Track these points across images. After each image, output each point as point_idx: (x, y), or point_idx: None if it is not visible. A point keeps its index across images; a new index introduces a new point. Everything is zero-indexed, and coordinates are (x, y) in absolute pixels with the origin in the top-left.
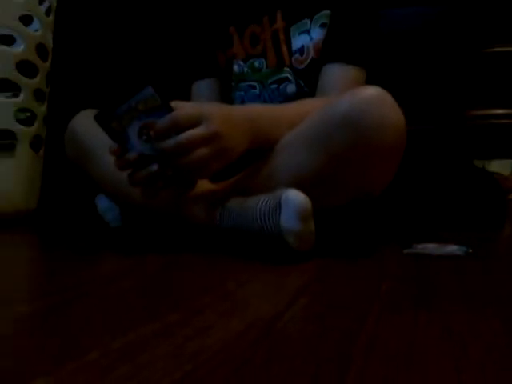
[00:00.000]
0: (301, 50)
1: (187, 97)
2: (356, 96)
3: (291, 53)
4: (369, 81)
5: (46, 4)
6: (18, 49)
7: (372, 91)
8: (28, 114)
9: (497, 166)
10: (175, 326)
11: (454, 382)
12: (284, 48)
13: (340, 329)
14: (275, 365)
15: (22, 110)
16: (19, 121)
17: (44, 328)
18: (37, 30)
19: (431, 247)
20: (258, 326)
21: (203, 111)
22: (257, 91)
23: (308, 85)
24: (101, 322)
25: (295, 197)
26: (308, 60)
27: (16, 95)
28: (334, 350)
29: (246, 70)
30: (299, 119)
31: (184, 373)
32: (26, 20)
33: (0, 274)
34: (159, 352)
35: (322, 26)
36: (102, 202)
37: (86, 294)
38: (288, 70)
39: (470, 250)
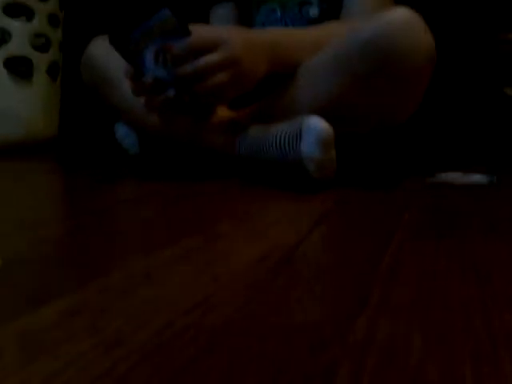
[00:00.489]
0: None
1: (205, 23)
2: (382, 20)
3: None
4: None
5: None
6: None
7: (400, 14)
8: (43, 41)
9: None
10: (195, 250)
11: (479, 311)
12: None
13: (361, 256)
14: (295, 290)
15: (36, 35)
16: (35, 47)
17: (66, 251)
18: None
19: (455, 176)
20: (278, 252)
21: (222, 35)
22: (278, 15)
23: (332, 7)
24: (122, 245)
25: (317, 124)
26: None
27: (30, 20)
28: (355, 276)
29: None
30: (322, 44)
31: (205, 296)
32: None
33: (22, 200)
34: (180, 275)
35: None
36: (121, 129)
37: (107, 218)
38: None
39: (495, 180)
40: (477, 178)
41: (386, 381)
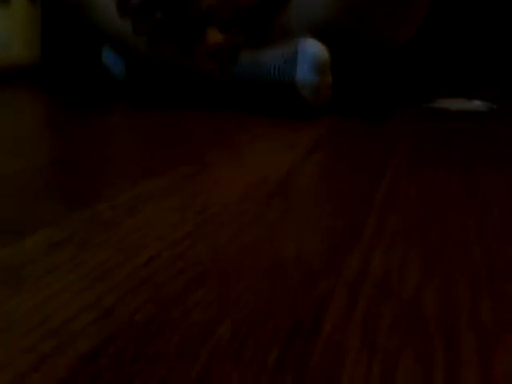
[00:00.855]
0: None
1: None
2: None
3: None
4: None
5: None
6: None
7: None
8: None
9: None
10: (183, 180)
11: (477, 241)
12: None
13: (355, 185)
14: (287, 221)
15: None
16: None
17: (50, 181)
18: None
19: (453, 102)
20: (269, 182)
21: None
22: None
23: None
24: (108, 175)
25: (313, 47)
26: None
27: None
28: (349, 206)
29: None
30: None
31: (193, 227)
32: None
33: (3, 130)
34: (168, 205)
35: None
36: (107, 54)
37: (92, 147)
38: None
39: (495, 106)
40: (476, 104)
41: (380, 314)
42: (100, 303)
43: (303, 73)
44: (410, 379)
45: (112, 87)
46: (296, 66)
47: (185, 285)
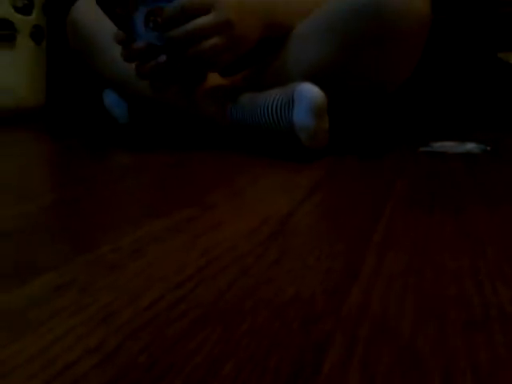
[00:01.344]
0: None
1: None
2: None
3: None
4: None
5: None
6: None
7: None
8: (25, 2)
9: None
10: (186, 222)
11: (472, 282)
12: None
13: (353, 226)
14: (288, 261)
15: None
16: (16, 9)
17: (53, 223)
18: None
19: (448, 145)
20: (270, 223)
21: None
22: None
23: None
24: (110, 218)
25: (309, 91)
26: None
27: None
28: (347, 247)
29: None
30: (317, 6)
31: (195, 269)
32: None
33: (7, 171)
34: (170, 248)
35: None
36: (109, 97)
37: (95, 189)
38: None
39: (489, 148)
40: (470, 147)
41: (378, 352)
42: (103, 346)
43: (300, 117)
44: None
45: (114, 130)
46: (293, 110)
47: (187, 327)
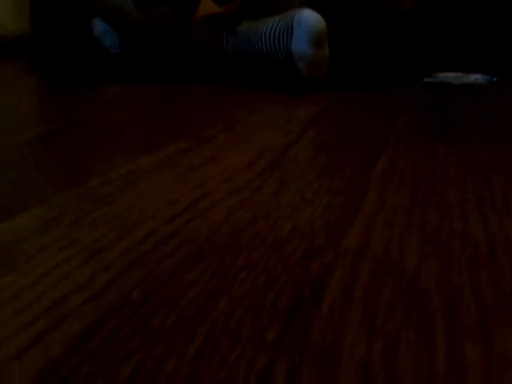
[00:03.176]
0: None
1: None
2: None
3: None
4: None
5: None
6: None
7: None
8: None
9: None
10: (179, 154)
11: (476, 216)
12: None
13: (354, 159)
14: (285, 195)
15: None
16: None
17: (43, 156)
18: None
19: (453, 76)
20: (267, 156)
21: None
22: None
23: None
24: (101, 151)
25: (309, 17)
26: None
27: None
28: (348, 180)
29: None
30: None
31: (189, 203)
32: None
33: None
34: (163, 181)
35: None
36: (99, 26)
37: (86, 121)
38: None
39: (495, 79)
40: (476, 78)
41: (379, 290)
42: (93, 282)
43: (299, 45)
44: (413, 357)
45: (105, 60)
46: (291, 38)
47: (181, 262)
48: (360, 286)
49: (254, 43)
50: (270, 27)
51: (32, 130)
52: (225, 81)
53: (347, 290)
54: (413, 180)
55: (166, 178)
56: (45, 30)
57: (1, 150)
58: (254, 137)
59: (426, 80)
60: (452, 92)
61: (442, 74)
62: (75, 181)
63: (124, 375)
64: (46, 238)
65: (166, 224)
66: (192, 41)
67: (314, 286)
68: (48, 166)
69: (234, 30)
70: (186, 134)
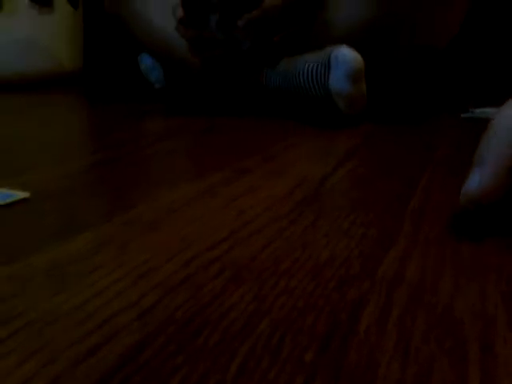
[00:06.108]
0: None
1: None
2: None
3: None
4: None
5: None
6: None
7: None
8: None
9: None
10: (220, 185)
11: (509, 248)
12: None
13: (390, 192)
14: (322, 225)
15: None
16: None
17: (92, 184)
18: None
19: (491, 112)
20: (304, 188)
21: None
22: None
23: None
24: (146, 179)
25: (346, 54)
26: None
27: None
28: (384, 212)
29: None
30: None
31: (230, 231)
32: None
33: (47, 134)
34: (205, 209)
35: None
36: (145, 61)
37: (132, 153)
38: None
39: None
40: None
41: (414, 318)
42: (141, 302)
43: (336, 81)
44: (446, 380)
45: (151, 94)
46: (329, 76)
47: (223, 286)
48: (395, 313)
49: (292, 79)
50: (307, 64)
51: (83, 161)
52: (264, 116)
53: (382, 316)
54: (448, 214)
55: (207, 207)
56: (96, 66)
57: (54, 179)
58: (292, 169)
59: (463, 115)
60: None
61: (479, 109)
62: (123, 208)
63: None
64: (96, 261)
65: (208, 250)
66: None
67: (351, 311)
68: (97, 195)
69: (273, 65)
70: (225, 166)
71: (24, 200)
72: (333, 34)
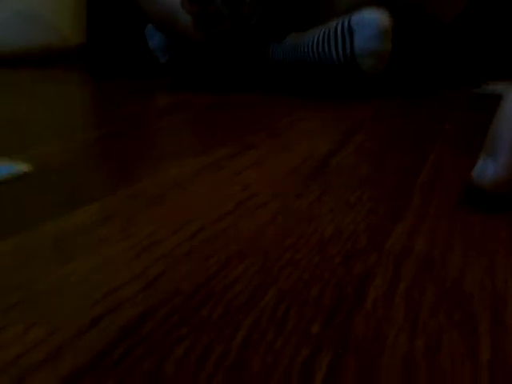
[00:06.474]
0: None
1: None
2: None
3: None
4: None
5: None
6: None
7: None
8: None
9: None
10: (225, 159)
11: None
12: None
13: (398, 167)
14: (328, 200)
15: None
16: None
17: (96, 158)
18: None
19: (502, 87)
20: (310, 162)
21: None
22: None
23: None
24: (151, 153)
25: (372, 14)
26: None
27: None
28: (392, 187)
29: None
30: None
31: (235, 204)
32: None
33: (51, 108)
34: (210, 183)
35: None
36: (151, 34)
37: (137, 126)
38: None
39: None
40: None
41: (422, 291)
42: (146, 273)
43: (364, 42)
44: (456, 355)
45: (155, 69)
46: (353, 37)
47: (227, 259)
48: (403, 286)
49: (303, 51)
50: (320, 34)
51: (87, 135)
52: (269, 91)
53: (390, 289)
54: (458, 189)
55: (212, 181)
56: (100, 41)
57: (60, 152)
58: (298, 144)
59: (475, 91)
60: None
61: (491, 85)
62: (128, 182)
63: (175, 357)
64: (101, 233)
65: (213, 223)
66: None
67: (357, 285)
68: (103, 168)
69: (280, 40)
70: (230, 141)
71: (27, 174)
72: (338, 9)
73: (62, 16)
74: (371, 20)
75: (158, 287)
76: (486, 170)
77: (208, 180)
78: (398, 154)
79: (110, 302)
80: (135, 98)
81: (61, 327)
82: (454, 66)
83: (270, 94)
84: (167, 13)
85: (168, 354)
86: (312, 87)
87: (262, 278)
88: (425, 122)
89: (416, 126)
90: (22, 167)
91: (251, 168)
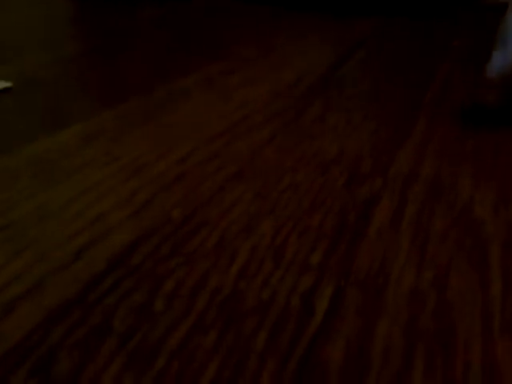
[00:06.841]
0: None
1: None
2: None
3: None
4: None
5: None
6: None
7: None
8: None
9: None
10: (220, 76)
11: None
12: None
13: (404, 85)
14: (331, 118)
15: None
16: None
17: (83, 73)
18: None
19: None
20: (311, 77)
21: None
22: None
23: None
24: (141, 70)
25: None
26: None
27: None
28: (397, 106)
29: None
30: None
31: (231, 123)
32: None
33: (36, 21)
34: (203, 101)
35: None
36: None
37: (125, 40)
38: None
39: None
40: None
41: (431, 216)
42: (135, 199)
43: None
44: (466, 284)
45: None
46: None
47: (222, 183)
48: (409, 211)
49: None
50: None
51: (72, 47)
52: (267, 3)
53: (396, 215)
54: (467, 108)
55: (205, 99)
56: None
57: (44, 65)
58: (297, 60)
59: (485, 1)
60: None
61: None
62: (114, 100)
63: (166, 290)
64: (87, 155)
65: (206, 144)
66: None
67: (362, 210)
68: (88, 84)
69: None
70: (225, 55)
71: (8, 90)
72: None
73: None
74: None
75: (146, 214)
76: (497, 59)
77: (201, 98)
78: (404, 72)
79: (95, 230)
80: (123, 11)
81: (43, 259)
82: None
83: (266, 7)
84: None
85: (158, 287)
86: (313, 3)
87: (260, 204)
88: (432, 40)
89: (424, 44)
90: (1, 83)
91: (247, 85)
